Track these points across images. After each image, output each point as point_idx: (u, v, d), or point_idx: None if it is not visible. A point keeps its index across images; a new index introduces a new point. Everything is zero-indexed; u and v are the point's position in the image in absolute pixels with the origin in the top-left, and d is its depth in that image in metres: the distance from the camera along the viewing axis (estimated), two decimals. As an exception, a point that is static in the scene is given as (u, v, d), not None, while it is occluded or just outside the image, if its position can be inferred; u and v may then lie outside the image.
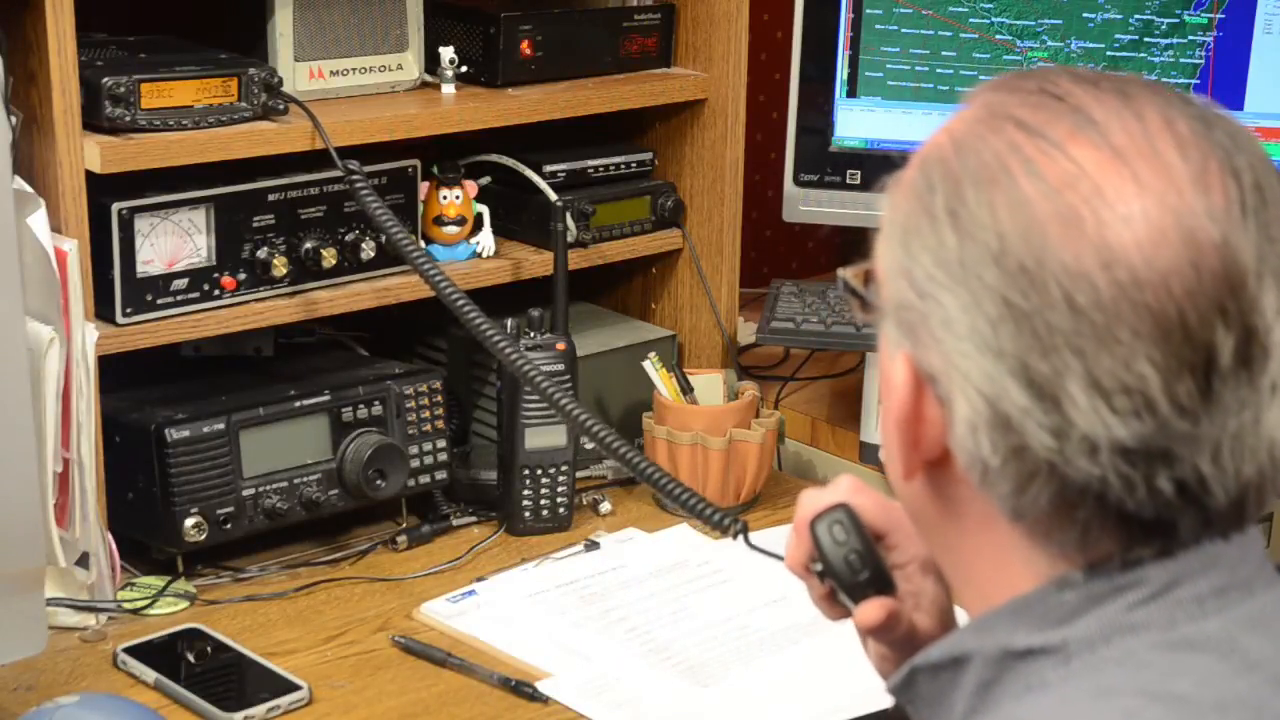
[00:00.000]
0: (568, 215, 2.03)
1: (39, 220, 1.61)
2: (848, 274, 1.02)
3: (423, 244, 1.98)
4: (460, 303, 1.74)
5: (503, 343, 1.72)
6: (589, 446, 1.87)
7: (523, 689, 1.61)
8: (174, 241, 1.78)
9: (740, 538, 1.39)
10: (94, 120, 1.69)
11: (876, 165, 2.12)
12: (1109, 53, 2.13)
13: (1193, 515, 0.90)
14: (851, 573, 1.14)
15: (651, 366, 2.03)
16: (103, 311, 1.73)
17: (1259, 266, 0.88)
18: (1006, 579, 0.95)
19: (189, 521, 1.76)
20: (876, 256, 0.98)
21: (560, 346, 1.94)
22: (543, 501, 1.95)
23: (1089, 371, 0.87)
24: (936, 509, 0.98)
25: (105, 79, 1.69)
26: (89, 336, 1.67)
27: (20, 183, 1.60)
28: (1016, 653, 0.93)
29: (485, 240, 2.03)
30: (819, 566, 1.16)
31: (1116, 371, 0.86)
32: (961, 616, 1.06)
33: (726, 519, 1.41)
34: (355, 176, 1.82)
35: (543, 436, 1.92)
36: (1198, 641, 0.89)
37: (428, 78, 2.00)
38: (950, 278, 0.90)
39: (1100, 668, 0.89)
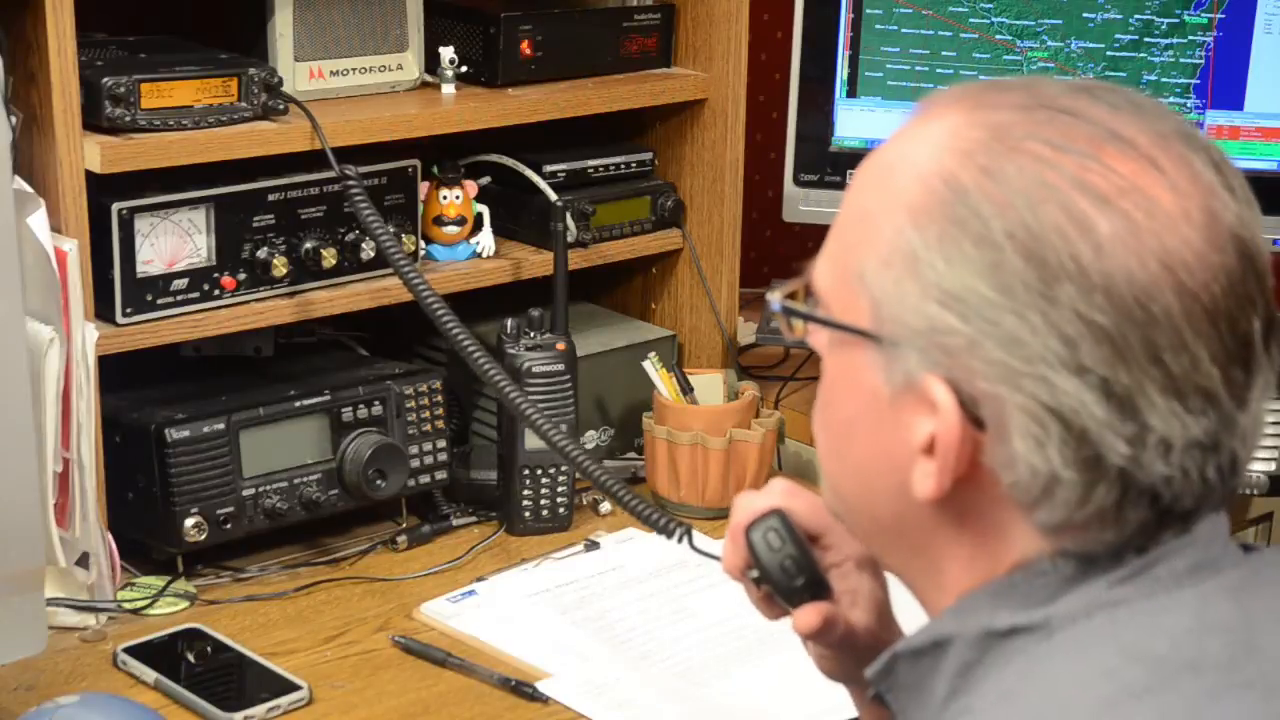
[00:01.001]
0: (568, 215, 2.03)
1: (39, 220, 1.61)
2: (778, 296, 1.02)
3: (422, 244, 1.98)
4: (440, 313, 1.74)
5: (478, 355, 1.72)
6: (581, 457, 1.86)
7: (523, 689, 1.61)
8: (174, 241, 1.78)
9: (684, 541, 1.41)
10: (94, 120, 1.69)
11: (876, 165, 2.11)
12: (1109, 53, 2.13)
13: (1218, 496, 0.93)
14: (787, 579, 1.16)
15: (651, 366, 2.03)
16: (103, 311, 1.73)
17: (1267, 254, 0.93)
18: (988, 568, 0.96)
19: (189, 521, 1.76)
20: (867, 278, 0.95)
21: (560, 346, 1.94)
22: (543, 501, 1.95)
23: (1166, 377, 0.89)
24: (935, 519, 0.98)
25: (105, 79, 1.69)
26: (89, 336, 1.67)
27: (20, 183, 1.60)
28: (999, 633, 0.94)
29: (485, 240, 2.03)
30: (755, 573, 1.17)
31: (1188, 373, 0.89)
32: (908, 614, 1.07)
33: (671, 524, 1.44)
34: (350, 182, 1.82)
35: (543, 436, 1.92)
36: (1172, 608, 0.92)
37: (428, 78, 2.00)
38: (1015, 300, 0.90)
39: (1080, 637, 0.91)
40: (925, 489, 0.95)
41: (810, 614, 1.16)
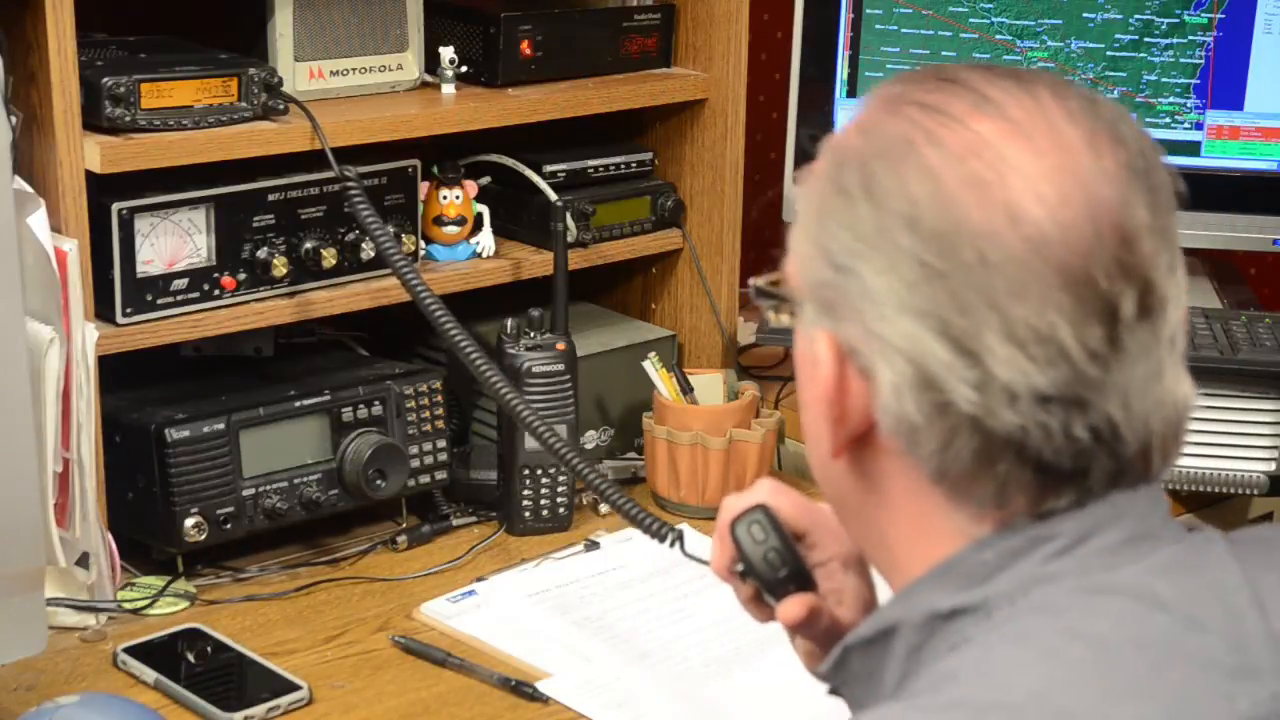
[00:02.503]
0: (568, 215, 2.03)
1: (39, 220, 1.61)
2: (760, 281, 1.06)
3: (422, 244, 1.98)
4: (439, 314, 1.74)
5: (475, 357, 1.72)
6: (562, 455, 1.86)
7: (523, 689, 1.61)
8: (174, 241, 1.78)
9: (676, 546, 1.42)
10: (94, 120, 1.69)
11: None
12: (1109, 53, 2.13)
13: (1105, 463, 0.94)
14: (771, 570, 1.17)
15: (651, 366, 2.03)
16: (103, 311, 1.73)
17: (1151, 225, 0.94)
18: (929, 547, 0.98)
19: (189, 521, 1.76)
20: (791, 248, 1.02)
21: (560, 346, 1.94)
22: (543, 501, 1.95)
23: (1005, 323, 0.91)
24: (859, 485, 1.01)
25: (105, 79, 1.69)
26: (89, 336, 1.67)
27: (20, 183, 1.60)
28: (942, 615, 0.96)
29: (485, 240, 2.03)
30: (740, 567, 1.18)
31: (1030, 321, 0.91)
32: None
33: (664, 528, 1.45)
34: (349, 183, 1.81)
35: (543, 436, 1.92)
36: (1112, 587, 0.93)
37: (428, 78, 2.00)
38: (868, 247, 0.95)
39: (1019, 617, 0.93)
40: (826, 446, 1.00)
41: (794, 604, 1.16)
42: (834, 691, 1.06)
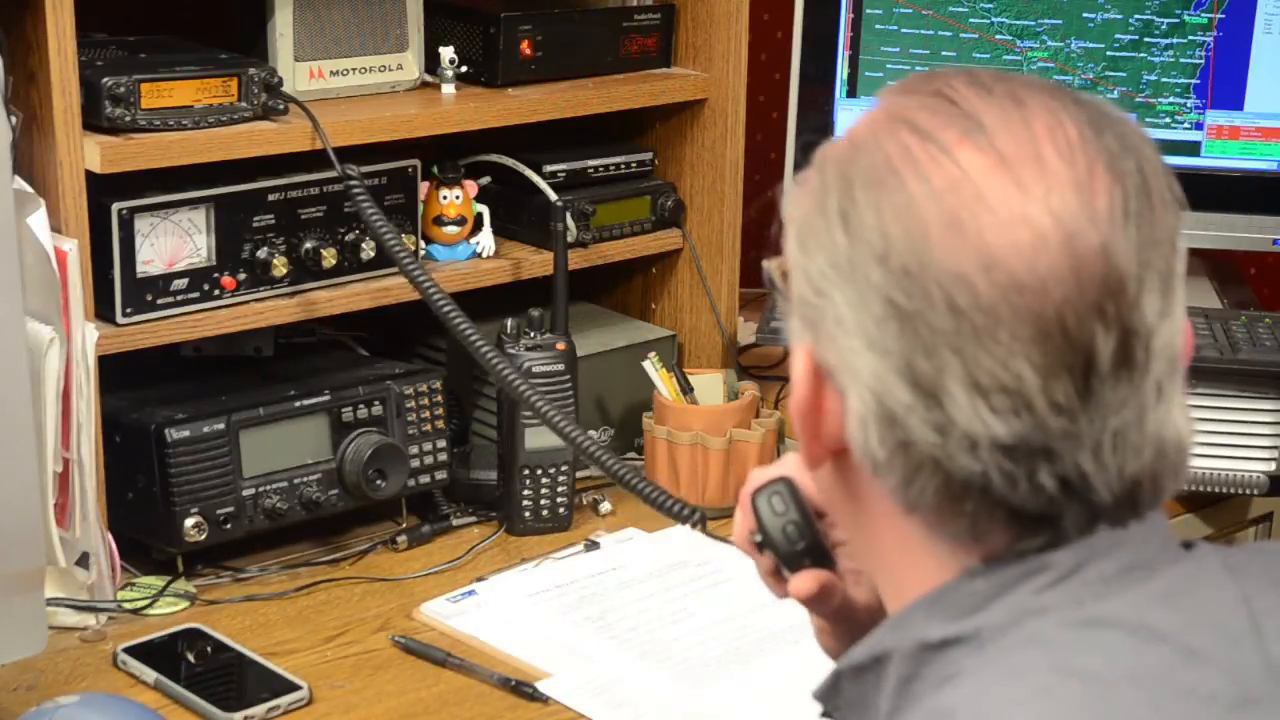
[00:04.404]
0: (568, 215, 2.03)
1: (39, 220, 1.61)
2: (772, 265, 1.03)
3: (422, 244, 1.98)
4: (449, 311, 1.74)
5: (489, 352, 1.72)
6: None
7: (523, 689, 1.61)
8: (174, 241, 1.78)
9: (699, 527, 1.42)
10: (94, 120, 1.69)
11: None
12: (1109, 53, 2.13)
13: (1077, 510, 0.92)
14: (788, 543, 1.16)
15: (651, 366, 2.03)
16: (103, 311, 1.73)
17: (1140, 270, 0.89)
18: (916, 570, 0.97)
19: (189, 521, 1.76)
20: (785, 253, 1.00)
21: (560, 346, 1.94)
22: (543, 501, 1.95)
23: (968, 371, 0.89)
24: (843, 497, 1.01)
25: (105, 79, 1.69)
26: (89, 336, 1.67)
27: (20, 183, 1.60)
28: (932, 645, 0.94)
29: (485, 240, 2.03)
30: (759, 538, 1.18)
31: (995, 371, 0.88)
32: None
33: (685, 509, 1.45)
34: (353, 181, 1.82)
35: (543, 436, 1.92)
36: (1105, 619, 0.91)
37: (428, 78, 2.00)
38: (840, 277, 0.93)
39: (1012, 650, 0.91)
40: (804, 458, 0.99)
41: (806, 579, 1.15)
42: (826, 715, 1.05)
